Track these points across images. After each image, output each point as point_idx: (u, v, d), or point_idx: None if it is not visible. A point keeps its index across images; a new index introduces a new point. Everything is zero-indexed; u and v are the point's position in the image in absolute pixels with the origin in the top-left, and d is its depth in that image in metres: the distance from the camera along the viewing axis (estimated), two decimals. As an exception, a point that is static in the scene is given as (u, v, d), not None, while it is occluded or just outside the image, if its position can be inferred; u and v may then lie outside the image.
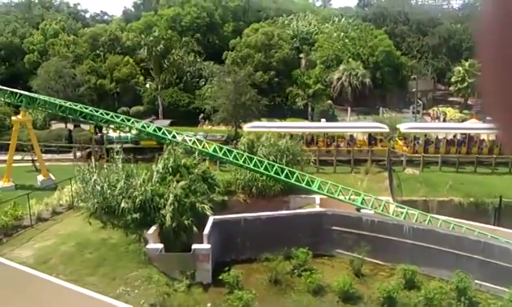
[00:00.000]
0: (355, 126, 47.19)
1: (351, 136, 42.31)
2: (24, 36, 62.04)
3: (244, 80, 45.57)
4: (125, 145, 40.01)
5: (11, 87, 32.74)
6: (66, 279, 20.52)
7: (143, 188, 23.95)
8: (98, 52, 61.05)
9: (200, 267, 23.16)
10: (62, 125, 47.87)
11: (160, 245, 23.26)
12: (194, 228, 24.91)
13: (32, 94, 32.22)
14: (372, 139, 41.77)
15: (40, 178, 32.69)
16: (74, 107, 30.80)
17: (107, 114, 31.00)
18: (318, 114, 55.84)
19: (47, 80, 47.59)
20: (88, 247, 22.70)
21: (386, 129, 42.39)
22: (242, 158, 30.25)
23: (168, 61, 49.94)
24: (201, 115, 52.02)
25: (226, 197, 29.93)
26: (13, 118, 32.10)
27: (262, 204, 30.94)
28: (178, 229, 24.48)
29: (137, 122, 32.15)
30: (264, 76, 53.27)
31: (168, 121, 44.83)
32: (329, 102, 58.72)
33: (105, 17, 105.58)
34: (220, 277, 22.61)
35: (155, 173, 25.17)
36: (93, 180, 24.64)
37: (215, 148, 30.85)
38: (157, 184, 25.16)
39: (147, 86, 60.47)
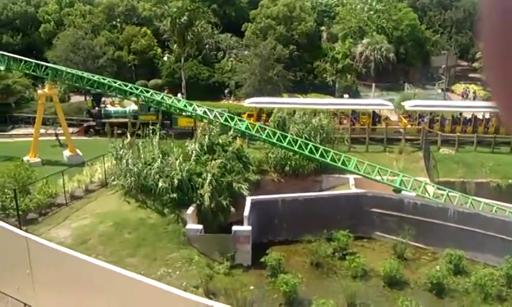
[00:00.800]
0: (359, 103, 45.24)
1: (354, 113, 40.69)
2: (38, 4, 60.88)
3: (271, 54, 44.47)
4: (123, 120, 39.59)
5: (26, 57, 32.01)
6: (107, 260, 20.10)
7: (180, 168, 23.35)
8: (114, 22, 59.85)
9: (240, 249, 22.73)
10: (81, 98, 47.13)
11: (200, 226, 22.81)
12: (232, 208, 24.47)
13: (58, 67, 31.46)
14: (376, 116, 40.84)
15: (67, 153, 32.16)
16: (103, 80, 30.10)
17: (136, 89, 30.28)
18: (342, 89, 54.75)
19: (65, 52, 46.69)
20: (127, 226, 22.27)
21: (391, 106, 41.52)
22: (276, 136, 29.56)
23: (192, 33, 48.74)
24: (227, 89, 50.98)
25: (258, 176, 29.33)
26: (39, 91, 31.42)
27: (294, 184, 30.39)
28: (216, 210, 24.01)
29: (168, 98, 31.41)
30: (285, 50, 52.03)
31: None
32: (352, 77, 57.53)
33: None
34: (262, 260, 22.20)
35: (194, 152, 24.53)
36: (127, 157, 24.02)
37: (247, 125, 30.15)
38: (193, 163, 24.57)
39: (165, 58, 59.43)
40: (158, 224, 22.86)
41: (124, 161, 24.26)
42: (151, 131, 25.91)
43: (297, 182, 30.55)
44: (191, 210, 23.16)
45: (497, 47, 1.11)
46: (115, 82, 30.44)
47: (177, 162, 23.63)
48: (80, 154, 32.10)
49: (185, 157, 24.88)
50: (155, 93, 30.79)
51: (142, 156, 24.42)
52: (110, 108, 39.97)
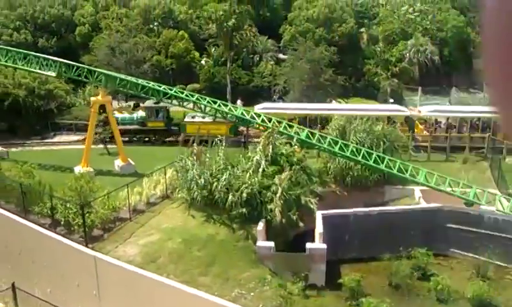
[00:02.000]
0: (372, 108, 43.02)
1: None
2: (74, 8, 60.66)
3: (321, 58, 43.29)
4: (130, 127, 38.96)
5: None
6: (179, 280, 19.17)
7: (251, 181, 22.31)
8: (151, 26, 59.25)
9: (314, 268, 21.59)
10: (122, 103, 46.59)
11: (271, 243, 21.72)
12: (301, 224, 23.37)
13: (112, 73, 30.67)
14: (391, 122, 39.50)
15: (119, 162, 31.39)
16: (158, 87, 29.26)
17: (192, 95, 29.41)
18: (384, 94, 53.26)
19: (107, 56, 46.14)
20: (196, 243, 21.31)
21: (407, 112, 40.07)
22: (338, 146, 28.35)
23: (240, 37, 47.78)
24: (278, 95, 49.69)
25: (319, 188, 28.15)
26: (93, 98, 30.64)
27: (356, 196, 29.14)
28: (286, 225, 22.91)
29: (214, 102, 30.39)
30: (325, 52, 50.78)
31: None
32: (395, 80, 55.93)
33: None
34: (339, 281, 21.05)
35: (262, 163, 23.46)
36: (194, 169, 23.06)
37: (307, 134, 28.99)
38: (261, 176, 23.51)
39: (202, 62, 58.63)
40: (227, 241, 21.85)
41: (190, 172, 23.28)
42: (217, 140, 24.92)
43: (358, 194, 29.26)
44: (261, 225, 22.09)
45: (499, 52, 1.03)
46: (170, 89, 29.59)
47: (247, 175, 22.59)
48: (132, 163, 31.32)
49: (255, 169, 23.82)
50: (212, 101, 29.76)
51: (209, 168, 23.40)
52: (117, 115, 39.25)
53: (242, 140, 39.26)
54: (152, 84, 29.59)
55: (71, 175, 30.44)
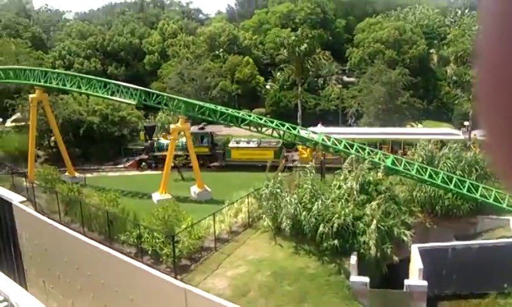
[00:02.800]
0: (423, 132, 40.67)
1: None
2: (142, 36, 62.26)
3: (397, 81, 41.94)
4: (176, 152, 38.20)
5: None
6: (271, 317, 18.23)
7: (344, 211, 21.21)
8: (217, 52, 59.84)
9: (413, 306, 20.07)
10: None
11: (366, 279, 20.38)
12: (395, 258, 21.93)
13: (191, 101, 30.60)
14: (396, 146, 37.45)
15: (195, 189, 31.09)
16: (236, 114, 28.90)
17: (271, 122, 28.76)
18: (460, 116, 50.89)
19: (177, 83, 46.64)
20: (286, 277, 20.29)
21: (461, 136, 37.48)
22: (427, 173, 26.78)
23: (312, 61, 47.27)
24: (353, 118, 48.51)
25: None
26: (172, 126, 30.61)
27: (445, 226, 27.37)
28: (379, 259, 21.54)
29: (293, 128, 29.62)
30: (400, 75, 49.24)
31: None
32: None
33: (200, 16, 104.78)
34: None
35: (354, 193, 22.33)
36: (285, 197, 22.23)
37: (393, 160, 27.62)
38: (352, 206, 22.34)
39: (267, 86, 58.44)
40: (318, 275, 20.71)
41: (279, 200, 22.48)
42: (303, 167, 24.04)
43: (448, 224, 27.48)
44: (353, 259, 20.85)
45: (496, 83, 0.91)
46: (249, 115, 29.15)
47: (339, 205, 21.52)
48: (209, 190, 30.92)
49: (346, 198, 22.75)
50: (291, 127, 29.03)
51: (299, 196, 22.50)
52: (162, 141, 38.97)
53: (287, 165, 38.58)
54: (230, 110, 29.24)
55: (149, 202, 30.56)
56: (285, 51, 47.51)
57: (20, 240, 30.11)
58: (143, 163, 38.51)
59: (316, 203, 21.63)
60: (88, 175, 37.77)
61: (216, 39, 60.43)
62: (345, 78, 64.77)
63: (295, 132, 28.58)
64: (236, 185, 33.71)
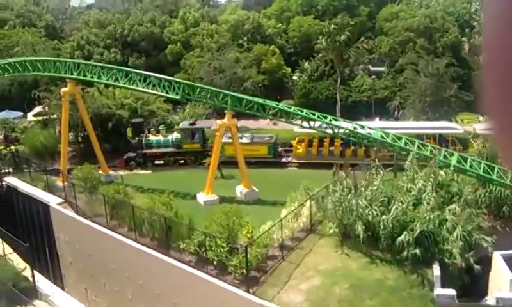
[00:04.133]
0: (421, 127, 38.72)
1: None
2: (163, 25, 60.37)
3: (444, 72, 40.14)
4: (166, 150, 37.17)
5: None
6: (356, 335, 16.75)
7: (428, 216, 19.64)
8: (241, 41, 57.99)
9: (504, 321, 18.56)
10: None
11: (452, 292, 18.85)
12: (477, 267, 20.37)
13: (238, 95, 28.93)
14: (443, 141, 35.59)
15: (242, 189, 29.51)
16: (287, 109, 27.28)
17: (324, 116, 27.10)
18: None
19: (208, 74, 44.91)
20: (365, 289, 18.80)
21: (460, 130, 35.91)
22: (495, 172, 25.15)
23: (355, 51, 45.40)
24: (401, 111, 46.48)
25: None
26: (218, 121, 28.89)
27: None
28: (462, 269, 20.02)
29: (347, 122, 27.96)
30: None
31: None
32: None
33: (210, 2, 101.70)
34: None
35: (429, 195, 20.74)
36: (356, 200, 20.66)
37: (458, 158, 25.96)
38: (430, 210, 20.75)
39: (294, 77, 56.70)
40: (399, 287, 19.19)
41: (346, 203, 20.91)
42: (375, 167, 22.41)
43: (515, 227, 25.95)
44: (437, 269, 19.32)
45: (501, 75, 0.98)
46: (301, 111, 27.50)
47: (422, 209, 19.96)
48: (256, 190, 29.37)
49: (417, 200, 21.18)
50: (339, 120, 27.38)
51: (371, 199, 20.93)
52: (152, 138, 37.27)
53: (284, 161, 37.61)
54: (280, 105, 27.62)
55: (193, 203, 29.02)
56: (323, 40, 45.65)
57: (58, 244, 28.68)
58: (131, 161, 36.57)
59: (394, 207, 20.05)
60: (120, 173, 36.16)
61: (240, 27, 58.60)
62: (372, 68, 62.91)
63: (350, 127, 26.90)
64: (276, 183, 32.25)
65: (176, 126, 38.64)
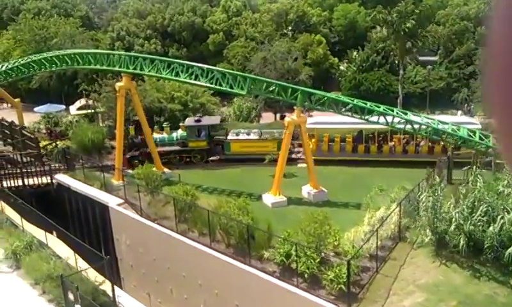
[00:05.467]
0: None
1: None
2: (204, 14, 58.97)
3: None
4: (171, 148, 35.36)
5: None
6: None
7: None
8: (285, 31, 56.31)
9: None
10: (271, 116, 43.75)
11: None
12: None
13: (309, 90, 27.39)
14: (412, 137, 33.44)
15: (309, 189, 28.03)
16: (364, 104, 25.63)
17: (405, 113, 25.40)
18: None
19: (259, 65, 43.41)
20: (475, 308, 17.21)
21: (478, 125, 33.17)
22: None
23: (421, 39, 43.32)
24: (470, 105, 44.46)
25: None
26: (287, 118, 27.32)
27: None
28: None
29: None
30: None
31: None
32: None
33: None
34: None
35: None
36: (452, 209, 19.05)
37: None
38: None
39: (341, 68, 54.86)
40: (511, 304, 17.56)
41: (442, 210, 19.31)
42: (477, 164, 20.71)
43: None
44: (551, 285, 17.63)
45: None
46: (378, 106, 25.82)
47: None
48: (325, 191, 27.86)
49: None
50: (419, 115, 25.64)
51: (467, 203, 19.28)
52: (155, 135, 35.56)
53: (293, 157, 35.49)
54: (355, 100, 25.98)
55: (258, 205, 27.65)
56: (383, 29, 43.67)
57: (117, 247, 27.66)
58: (135, 160, 34.88)
59: (499, 217, 18.36)
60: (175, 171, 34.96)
61: (283, 16, 56.88)
62: (420, 58, 60.55)
63: (434, 125, 25.12)
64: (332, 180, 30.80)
65: (181, 123, 36.98)
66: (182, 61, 29.82)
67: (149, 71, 29.34)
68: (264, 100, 41.49)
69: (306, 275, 18.21)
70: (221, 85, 27.01)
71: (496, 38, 0.96)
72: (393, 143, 34.74)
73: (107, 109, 38.93)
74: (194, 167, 35.40)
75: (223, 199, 25.68)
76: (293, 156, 36.58)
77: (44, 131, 43.72)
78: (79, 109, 46.68)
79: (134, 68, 29.96)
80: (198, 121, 36.35)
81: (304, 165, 35.05)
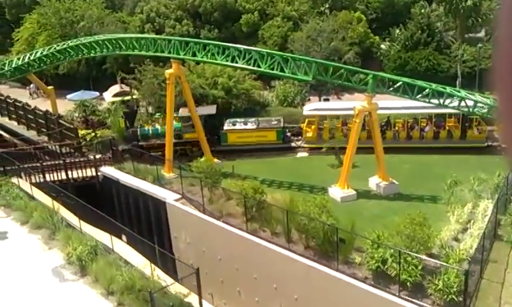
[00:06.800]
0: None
1: (439, 117, 32.79)
2: (237, -6, 56.93)
3: None
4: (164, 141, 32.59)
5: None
6: None
7: None
8: (322, 8, 54.13)
9: None
10: (316, 99, 41.90)
11: None
12: None
13: (382, 74, 25.68)
14: (466, 121, 32.25)
15: (377, 181, 26.44)
16: (456, 93, 23.90)
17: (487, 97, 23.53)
18: None
19: (305, 47, 41.51)
20: None
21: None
22: None
23: (482, 18, 41.13)
24: None
25: None
26: (357, 106, 25.38)
27: None
28: None
29: None
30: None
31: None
32: None
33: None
34: None
35: None
36: None
37: None
38: None
39: (382, 46, 52.70)
40: None
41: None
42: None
43: None
44: None
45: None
46: (458, 91, 24.06)
47: None
48: (396, 183, 26.25)
49: None
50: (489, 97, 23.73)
51: None
52: (147, 128, 34.06)
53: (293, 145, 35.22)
54: (433, 85, 24.14)
55: (325, 197, 26.05)
56: (440, 7, 41.45)
57: (175, 244, 26.38)
58: (127, 154, 33.08)
59: None
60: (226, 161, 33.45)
61: (319, -7, 54.78)
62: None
63: None
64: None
65: (174, 114, 35.57)
66: (237, 45, 28.17)
67: (202, 57, 27.77)
68: (310, 85, 39.68)
69: (408, 284, 16.68)
70: (283, 71, 25.34)
71: (503, 38, 0.97)
72: (396, 129, 34.01)
73: (148, 96, 37.41)
74: (243, 156, 34.03)
75: (293, 195, 24.30)
76: (292, 144, 35.40)
77: (78, 119, 42.43)
78: (114, 95, 45.13)
79: (185, 54, 28.41)
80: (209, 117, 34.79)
81: (305, 154, 34.13)
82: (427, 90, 24.03)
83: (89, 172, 31.62)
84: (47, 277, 19.34)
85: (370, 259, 17.61)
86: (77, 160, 32.14)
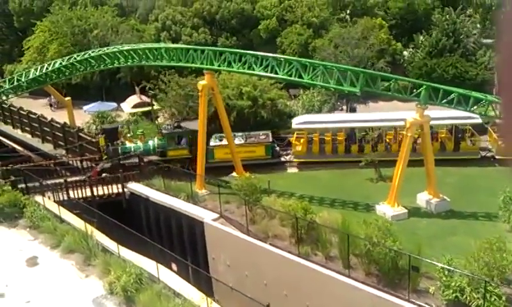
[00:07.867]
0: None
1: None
2: (254, 0, 55.62)
3: None
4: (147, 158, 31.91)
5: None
6: None
7: None
8: (343, 14, 52.90)
9: None
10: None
11: None
12: None
13: (435, 85, 24.28)
14: (459, 132, 31.93)
15: (427, 197, 25.06)
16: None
17: None
18: None
19: (330, 54, 40.24)
20: None
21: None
22: None
23: None
24: None
25: None
26: (409, 119, 24.08)
27: None
28: None
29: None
30: None
31: None
32: None
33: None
34: None
35: None
36: None
37: None
38: None
39: (405, 53, 51.43)
40: None
41: None
42: None
43: None
44: None
45: None
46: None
47: None
48: (448, 200, 24.86)
49: None
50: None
51: None
52: (129, 144, 32.59)
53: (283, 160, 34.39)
54: (489, 96, 22.82)
55: (372, 217, 24.69)
56: (476, 14, 40.20)
57: (212, 266, 24.99)
58: (105, 173, 31.38)
59: None
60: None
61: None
62: (483, 40, 56.75)
63: None
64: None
65: (157, 130, 34.02)
66: (275, 55, 26.96)
67: (238, 68, 26.43)
68: (337, 94, 38.41)
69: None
70: (328, 82, 23.99)
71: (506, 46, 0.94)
72: (388, 141, 33.18)
73: (175, 108, 36.10)
74: (276, 171, 32.80)
75: (339, 213, 22.93)
76: (282, 159, 34.25)
77: (96, 132, 40.96)
78: (134, 107, 43.85)
79: (219, 65, 27.11)
80: (178, 126, 33.29)
81: (295, 170, 33.11)
82: (483, 101, 22.71)
83: (115, 188, 30.27)
84: (88, 309, 17.95)
85: (445, 288, 16.20)
86: (103, 176, 30.60)
